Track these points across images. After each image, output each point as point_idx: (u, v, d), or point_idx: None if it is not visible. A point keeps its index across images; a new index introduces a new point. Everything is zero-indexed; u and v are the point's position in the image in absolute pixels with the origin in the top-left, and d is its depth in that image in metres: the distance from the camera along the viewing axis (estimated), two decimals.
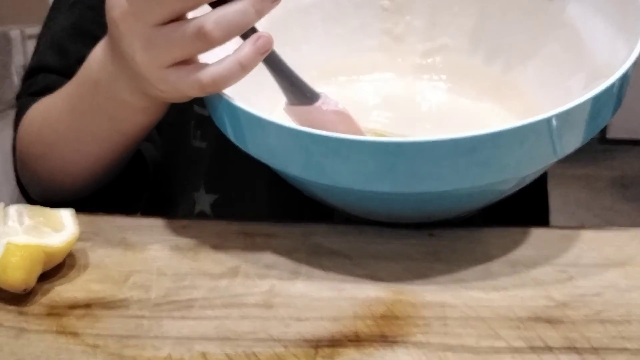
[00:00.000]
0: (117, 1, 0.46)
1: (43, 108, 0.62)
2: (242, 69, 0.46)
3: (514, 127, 0.42)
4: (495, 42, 0.66)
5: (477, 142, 0.42)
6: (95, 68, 0.54)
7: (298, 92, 0.52)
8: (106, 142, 0.57)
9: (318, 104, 0.53)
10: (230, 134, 0.49)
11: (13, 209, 0.46)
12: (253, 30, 0.47)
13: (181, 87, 0.48)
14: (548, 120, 0.43)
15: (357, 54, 0.68)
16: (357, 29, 0.67)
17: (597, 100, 0.45)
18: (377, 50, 0.68)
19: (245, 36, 0.47)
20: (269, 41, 0.47)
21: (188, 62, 0.47)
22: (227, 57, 0.47)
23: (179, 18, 0.46)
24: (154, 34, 0.46)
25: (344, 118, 0.55)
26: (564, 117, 0.44)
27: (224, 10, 0.45)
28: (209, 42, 0.45)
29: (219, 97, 0.48)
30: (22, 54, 2.03)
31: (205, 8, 0.46)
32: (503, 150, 0.43)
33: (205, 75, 0.47)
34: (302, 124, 0.54)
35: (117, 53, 0.49)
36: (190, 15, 0.46)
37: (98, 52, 0.54)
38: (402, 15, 0.68)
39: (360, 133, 0.56)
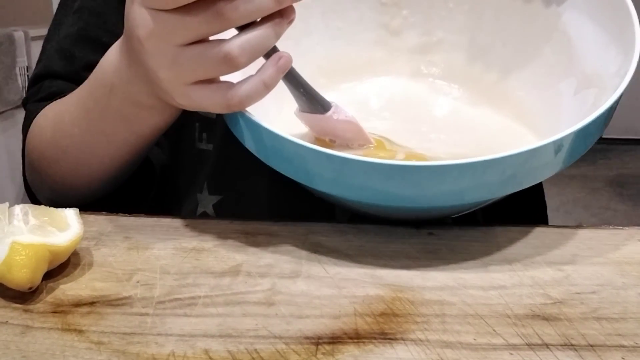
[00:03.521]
0: (142, 20, 0.46)
1: (54, 113, 0.62)
2: (266, 87, 0.48)
3: (526, 150, 0.45)
4: (490, 40, 0.66)
5: (496, 164, 0.45)
6: (110, 73, 0.54)
7: (310, 101, 0.54)
8: (121, 144, 0.58)
9: (329, 113, 0.55)
10: (252, 148, 0.50)
11: (18, 209, 0.47)
12: (274, 48, 0.49)
13: (205, 104, 0.49)
14: (555, 143, 0.45)
15: (355, 48, 0.68)
16: (356, 22, 0.68)
17: (595, 121, 0.47)
18: (375, 44, 0.69)
19: (267, 54, 0.48)
20: (289, 60, 0.49)
21: (211, 80, 0.48)
22: (251, 77, 0.48)
23: (203, 39, 0.46)
24: (179, 54, 0.46)
25: (352, 127, 0.56)
26: (568, 139, 0.46)
27: (248, 36, 0.46)
28: (235, 66, 0.46)
29: (242, 114, 0.49)
30: (25, 56, 2.04)
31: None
32: (513, 169, 0.46)
33: (232, 95, 0.48)
34: (313, 129, 0.56)
35: (137, 63, 0.50)
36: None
37: (112, 58, 0.54)
38: (400, 8, 0.68)
39: (368, 141, 0.58)
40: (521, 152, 0.45)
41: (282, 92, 0.54)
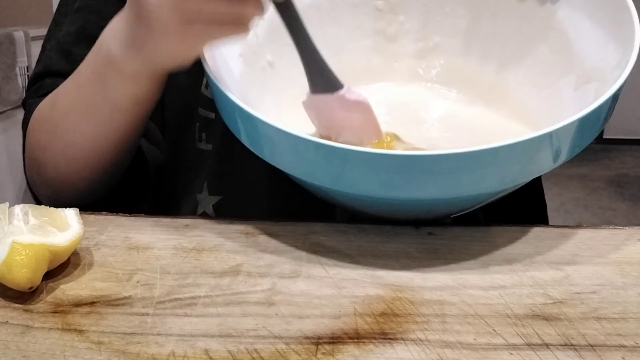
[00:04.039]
0: None
1: (54, 94, 0.63)
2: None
3: (526, 139, 0.44)
4: (487, 42, 0.66)
5: (497, 153, 0.44)
6: (103, 35, 0.55)
7: (324, 78, 0.54)
8: (99, 116, 0.57)
9: (342, 92, 0.55)
10: (247, 143, 0.50)
11: (18, 209, 0.47)
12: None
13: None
14: (551, 135, 0.45)
15: (353, 55, 0.68)
16: (353, 29, 0.68)
17: (594, 113, 0.47)
18: (372, 50, 0.69)
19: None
20: None
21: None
22: None
23: None
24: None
25: (364, 109, 0.56)
26: (565, 130, 0.46)
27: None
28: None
29: (239, 107, 0.49)
30: (25, 55, 2.03)
31: None
32: (516, 160, 0.45)
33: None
34: (320, 119, 0.56)
35: (130, 11, 0.51)
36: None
37: (111, 24, 0.55)
38: (396, 14, 0.68)
39: (378, 126, 0.58)
40: (518, 142, 0.44)
41: (282, 94, 0.54)
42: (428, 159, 0.44)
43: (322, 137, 0.58)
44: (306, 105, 0.57)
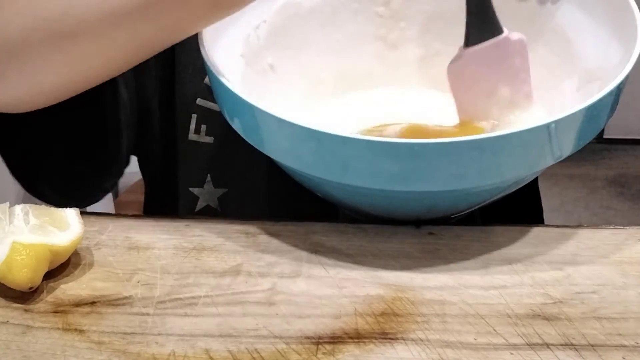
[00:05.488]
0: None
1: None
2: None
3: (522, 130, 0.44)
4: None
5: (495, 142, 0.44)
6: None
7: (489, 20, 0.54)
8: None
9: (505, 34, 0.54)
10: (246, 135, 0.49)
11: (19, 208, 0.47)
12: None
13: None
14: (548, 126, 0.44)
15: (354, 61, 0.68)
16: (354, 35, 0.68)
17: (594, 107, 0.46)
18: (373, 57, 0.69)
19: None
20: None
21: None
22: None
23: None
24: None
25: (523, 50, 0.55)
26: (563, 123, 0.45)
27: None
28: None
29: (236, 95, 0.48)
30: None
31: None
32: (515, 152, 0.45)
33: None
34: (476, 74, 0.55)
35: None
36: None
37: None
38: (397, 21, 0.68)
39: (529, 73, 0.56)
40: (519, 131, 0.44)
41: (284, 99, 0.53)
42: (435, 147, 0.44)
43: (463, 114, 0.56)
44: (457, 68, 0.55)
